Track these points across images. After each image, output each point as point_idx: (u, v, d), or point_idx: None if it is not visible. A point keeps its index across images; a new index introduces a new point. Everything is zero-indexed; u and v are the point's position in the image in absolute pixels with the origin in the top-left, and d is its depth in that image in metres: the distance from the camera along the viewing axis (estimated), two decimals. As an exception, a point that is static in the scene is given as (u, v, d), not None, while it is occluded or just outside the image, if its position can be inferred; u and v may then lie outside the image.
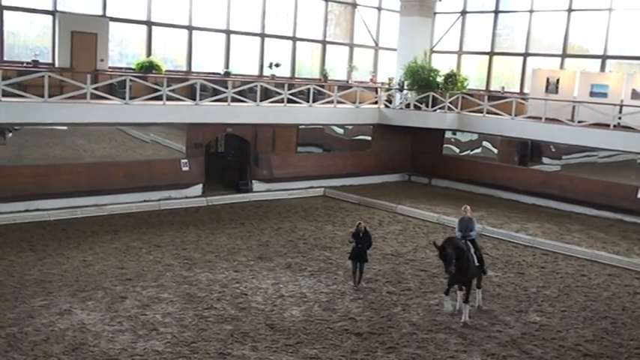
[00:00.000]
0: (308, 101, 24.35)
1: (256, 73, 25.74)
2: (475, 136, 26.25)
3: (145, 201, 20.15)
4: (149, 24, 22.74)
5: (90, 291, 12.84)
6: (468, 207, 13.37)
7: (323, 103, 25.00)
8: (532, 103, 24.99)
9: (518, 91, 27.32)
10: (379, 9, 29.64)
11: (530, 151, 25.19)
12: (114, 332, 11.03)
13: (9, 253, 14.81)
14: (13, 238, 15.97)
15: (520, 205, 23.46)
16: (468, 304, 12.38)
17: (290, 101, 23.75)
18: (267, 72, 25.58)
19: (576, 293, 14.39)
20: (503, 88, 27.60)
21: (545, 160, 24.78)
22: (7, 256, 14.60)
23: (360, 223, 14.13)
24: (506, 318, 12.72)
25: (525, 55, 27.31)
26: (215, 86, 22.25)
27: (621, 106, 23.15)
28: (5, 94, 17.69)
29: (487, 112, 25.29)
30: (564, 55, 26.28)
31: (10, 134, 18.52)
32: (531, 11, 27.00)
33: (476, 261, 12.46)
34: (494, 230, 19.36)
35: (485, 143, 26.10)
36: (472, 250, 12.47)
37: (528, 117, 24.79)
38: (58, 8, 20.57)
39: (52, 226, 17.41)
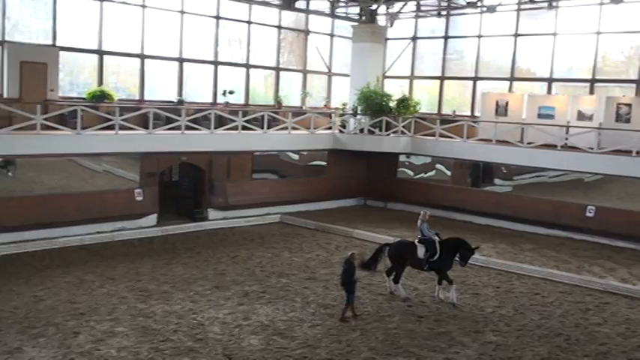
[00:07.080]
0: (262, 128, 24.35)
1: (210, 100, 25.69)
2: (429, 159, 26.57)
3: (97, 233, 19.79)
4: (100, 53, 22.52)
5: (41, 327, 12.50)
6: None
7: (278, 130, 25.06)
8: (483, 125, 25.50)
9: (469, 114, 27.88)
10: (331, 35, 29.97)
11: (483, 172, 25.65)
12: (66, 369, 10.76)
13: (-45, 291, 14.37)
14: (-41, 275, 15.51)
15: (474, 225, 23.78)
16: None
17: (245, 128, 23.73)
18: (221, 99, 25.56)
19: (531, 312, 14.64)
20: (454, 111, 28.11)
21: (497, 181, 25.25)
22: (-46, 294, 14.16)
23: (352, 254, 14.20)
24: (463, 339, 12.83)
25: (475, 79, 27.92)
26: (168, 114, 22.09)
27: (568, 127, 23.83)
28: (-50, 126, 17.29)
29: (439, 136, 25.69)
30: (512, 79, 26.97)
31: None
32: (480, 36, 27.65)
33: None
34: (449, 252, 19.55)
35: (438, 166, 26.45)
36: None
37: (479, 139, 25.25)
38: (7, 38, 20.24)
39: (0, 262, 16.93)
